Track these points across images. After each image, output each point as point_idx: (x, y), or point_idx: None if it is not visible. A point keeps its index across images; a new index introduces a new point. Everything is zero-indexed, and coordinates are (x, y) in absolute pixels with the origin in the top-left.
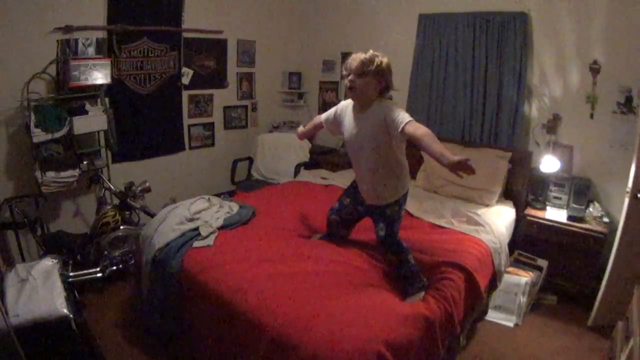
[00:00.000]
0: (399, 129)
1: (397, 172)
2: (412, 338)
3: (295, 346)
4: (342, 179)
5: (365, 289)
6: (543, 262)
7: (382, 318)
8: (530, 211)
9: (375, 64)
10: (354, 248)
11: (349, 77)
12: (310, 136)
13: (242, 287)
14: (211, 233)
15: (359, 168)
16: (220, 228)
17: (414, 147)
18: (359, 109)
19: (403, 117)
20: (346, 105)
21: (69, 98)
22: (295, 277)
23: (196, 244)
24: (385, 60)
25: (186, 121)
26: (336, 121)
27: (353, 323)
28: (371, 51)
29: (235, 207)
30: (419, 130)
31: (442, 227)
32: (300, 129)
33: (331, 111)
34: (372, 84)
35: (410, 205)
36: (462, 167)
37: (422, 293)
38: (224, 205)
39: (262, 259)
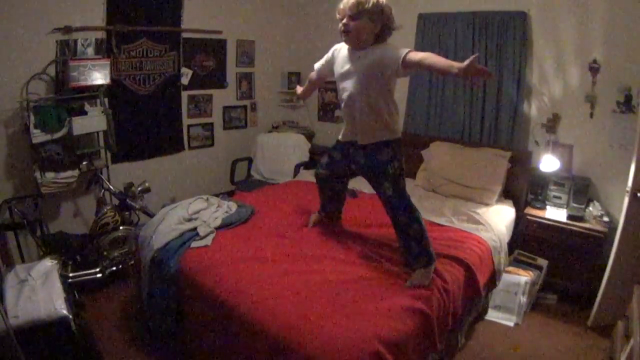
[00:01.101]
0: (401, 59)
1: (389, 111)
2: (410, 333)
3: (293, 346)
4: None
5: (363, 287)
6: (543, 262)
7: (379, 315)
8: (530, 210)
9: (371, 2)
10: (353, 245)
11: (343, 20)
12: (309, 94)
13: (241, 287)
14: (209, 233)
15: (349, 107)
16: (219, 228)
17: (413, 146)
18: (354, 50)
19: (402, 49)
20: (341, 46)
21: (68, 99)
22: (293, 277)
23: (194, 244)
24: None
25: (185, 121)
26: (329, 63)
27: (350, 322)
28: None
29: (233, 207)
30: (420, 54)
31: (443, 225)
32: (299, 89)
33: (326, 55)
34: (368, 26)
35: None
36: (474, 71)
37: (432, 268)
38: (222, 204)
39: (260, 258)
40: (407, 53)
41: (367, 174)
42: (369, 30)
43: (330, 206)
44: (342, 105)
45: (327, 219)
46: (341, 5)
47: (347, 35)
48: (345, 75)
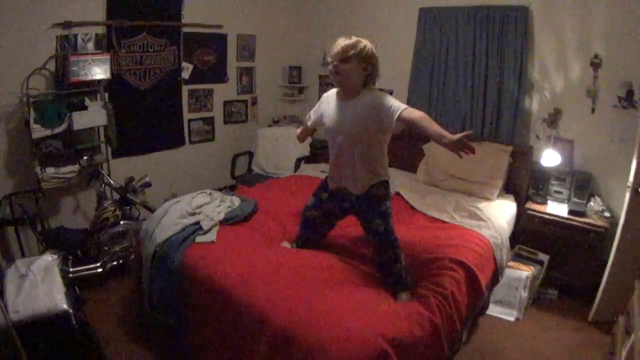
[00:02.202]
0: (396, 116)
1: (380, 160)
2: (416, 336)
3: (297, 342)
4: None
5: (368, 285)
6: (544, 257)
7: (385, 315)
8: (531, 205)
9: (358, 48)
10: (360, 242)
11: (333, 63)
12: (306, 138)
13: (244, 282)
14: (213, 226)
15: (338, 156)
16: (222, 222)
17: (414, 139)
18: (344, 96)
19: (399, 104)
20: (330, 94)
21: (69, 94)
22: (296, 272)
23: (199, 239)
24: (369, 45)
25: (186, 116)
26: (317, 114)
27: (356, 319)
28: (354, 37)
29: (236, 201)
30: (415, 113)
31: (444, 222)
32: (298, 131)
33: (316, 106)
34: (357, 69)
35: (412, 199)
36: (462, 146)
37: (409, 292)
38: (225, 199)
39: (263, 253)
40: (404, 110)
41: (359, 211)
42: (358, 72)
43: (311, 241)
44: (333, 156)
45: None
46: (333, 49)
47: (337, 76)
48: (335, 126)
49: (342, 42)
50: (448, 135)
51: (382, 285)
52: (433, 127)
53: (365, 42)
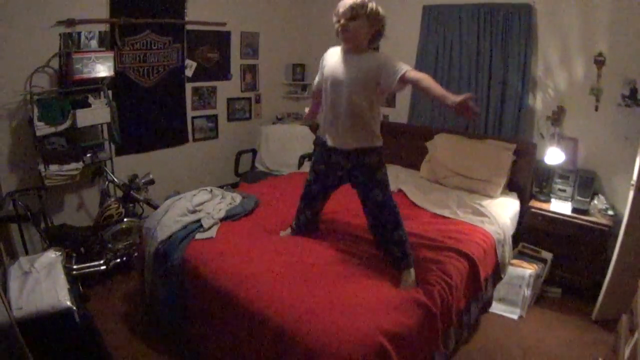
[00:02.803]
0: (399, 76)
1: (374, 119)
2: (412, 327)
3: (297, 338)
4: None
5: (365, 280)
6: (547, 255)
7: (382, 308)
8: (534, 203)
9: (368, 7)
10: (357, 236)
11: (341, 22)
12: (317, 112)
13: (245, 278)
14: (213, 224)
15: (335, 109)
16: (223, 219)
17: (417, 137)
18: (349, 51)
19: (404, 66)
20: (333, 49)
21: (72, 91)
22: (297, 268)
23: (198, 235)
24: (375, 5)
25: (190, 113)
26: (321, 67)
27: (354, 314)
28: None
29: (238, 198)
30: (419, 74)
31: (447, 218)
32: (306, 109)
33: (320, 66)
34: (365, 27)
35: (415, 196)
36: (466, 108)
37: (413, 270)
38: (226, 196)
39: (264, 250)
40: (408, 71)
41: (354, 179)
42: (366, 31)
43: (309, 223)
44: (327, 108)
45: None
46: (340, 8)
47: (345, 34)
48: (335, 78)
49: (349, 1)
50: (451, 97)
51: (387, 263)
52: (437, 88)
53: (373, 3)
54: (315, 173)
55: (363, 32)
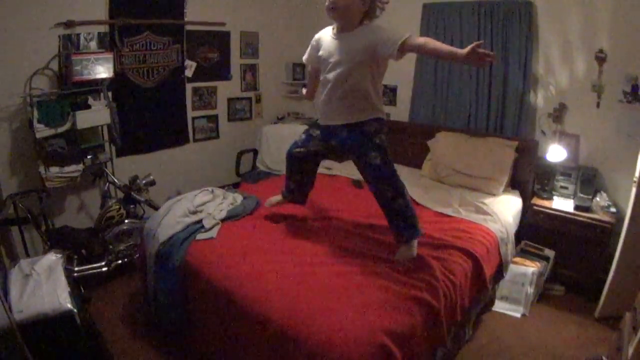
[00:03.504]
0: (399, 44)
1: (376, 93)
2: (416, 326)
3: (299, 339)
4: (346, 169)
5: (368, 279)
6: (550, 252)
7: (385, 307)
8: (536, 201)
9: None
10: (358, 235)
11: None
12: (314, 91)
13: (246, 278)
14: (215, 225)
15: (334, 90)
16: (224, 220)
17: (419, 135)
18: (341, 30)
19: (401, 33)
20: (324, 30)
21: (72, 93)
22: (299, 268)
23: (199, 236)
24: None
25: (190, 114)
26: (314, 50)
27: (356, 314)
28: None
29: (239, 198)
30: (420, 39)
31: (450, 216)
32: (304, 90)
33: (309, 47)
34: (355, 3)
35: (416, 194)
36: (480, 56)
37: (415, 242)
38: (227, 196)
39: (266, 250)
40: (407, 38)
41: (350, 147)
42: (358, 6)
43: (297, 190)
44: (325, 90)
45: (290, 202)
46: None
47: (334, 12)
48: (331, 60)
49: None
50: (460, 51)
51: (392, 234)
52: (443, 47)
53: None
54: (308, 135)
55: (354, 9)
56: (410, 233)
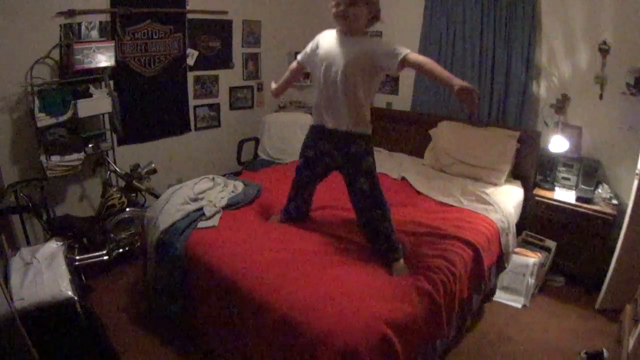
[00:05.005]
0: (400, 58)
1: (366, 103)
2: (416, 315)
3: (300, 327)
4: None
5: (369, 268)
6: (551, 243)
7: (385, 297)
8: (538, 191)
9: None
10: (353, 229)
11: (340, 8)
12: (285, 89)
13: (247, 267)
14: (216, 213)
15: (328, 91)
16: (225, 208)
17: (421, 124)
18: (346, 34)
19: (402, 48)
20: (329, 31)
21: (73, 82)
22: (300, 257)
23: (201, 224)
24: None
25: (192, 102)
26: (314, 51)
27: (357, 303)
28: None
29: (240, 186)
30: (421, 57)
31: (451, 205)
32: (273, 86)
33: (310, 44)
34: (364, 12)
35: (418, 184)
36: (469, 95)
37: (402, 261)
38: (228, 184)
39: (266, 238)
40: (409, 53)
41: (343, 167)
42: (365, 15)
43: (298, 210)
44: (321, 90)
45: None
46: None
47: (346, 20)
48: (332, 60)
49: None
50: (456, 81)
51: (376, 256)
52: (442, 72)
53: None
54: (305, 158)
55: (362, 17)
56: (395, 254)
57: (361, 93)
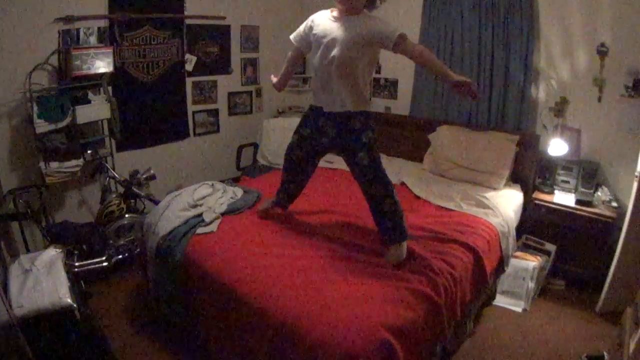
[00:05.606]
0: (393, 40)
1: (364, 81)
2: (417, 321)
3: (300, 333)
4: None
5: (369, 274)
6: (551, 247)
7: (386, 302)
8: (538, 195)
9: None
10: (358, 228)
11: None
12: (287, 81)
13: (246, 273)
14: (215, 219)
15: (326, 72)
16: (225, 214)
17: (420, 129)
18: (340, 15)
19: (395, 29)
20: (322, 14)
21: (72, 88)
22: (300, 263)
23: (200, 230)
24: None
25: (190, 108)
26: (309, 29)
27: (357, 309)
28: None
29: (239, 192)
30: (418, 46)
31: (451, 210)
32: (274, 79)
33: (304, 25)
34: None
35: (417, 188)
36: (466, 88)
37: (405, 244)
38: (227, 190)
39: (266, 244)
40: (400, 35)
41: (340, 145)
42: None
43: (288, 194)
44: (317, 71)
45: (278, 207)
46: None
47: (344, 1)
48: (327, 40)
49: None
50: (452, 74)
51: (379, 235)
52: (439, 62)
53: None
54: (299, 135)
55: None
56: (398, 235)
57: (358, 73)
